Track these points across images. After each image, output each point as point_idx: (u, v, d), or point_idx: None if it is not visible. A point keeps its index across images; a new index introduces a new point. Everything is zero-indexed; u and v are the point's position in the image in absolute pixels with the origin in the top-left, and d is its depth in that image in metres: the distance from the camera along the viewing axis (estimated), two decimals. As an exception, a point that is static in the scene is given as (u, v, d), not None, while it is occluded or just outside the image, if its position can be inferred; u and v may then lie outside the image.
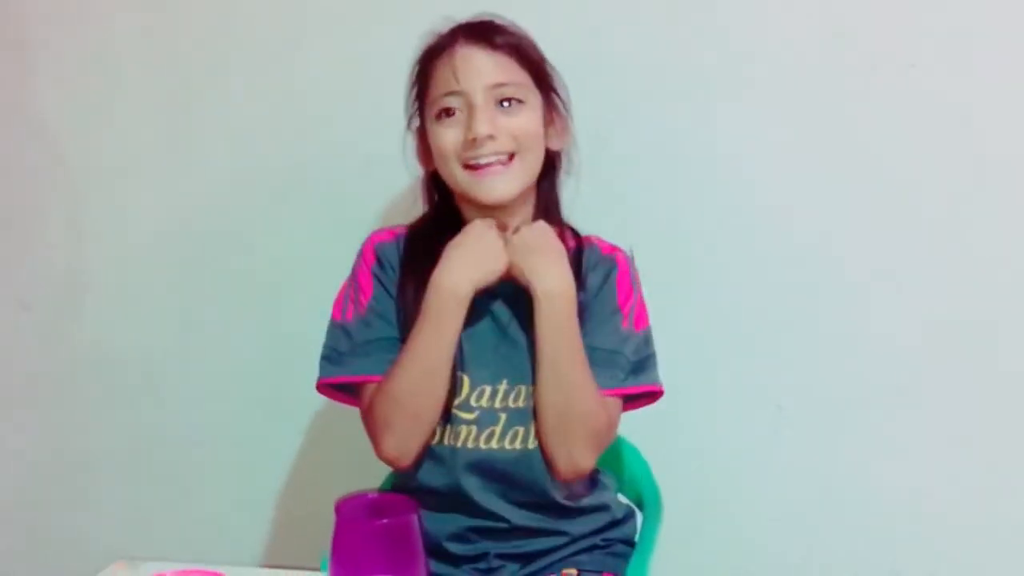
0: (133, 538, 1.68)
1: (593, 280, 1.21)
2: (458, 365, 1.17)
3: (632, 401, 1.23)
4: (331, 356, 1.22)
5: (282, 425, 1.67)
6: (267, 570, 1.38)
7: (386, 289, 1.21)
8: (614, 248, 1.26)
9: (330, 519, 0.90)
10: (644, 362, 1.22)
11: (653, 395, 1.24)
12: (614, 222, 1.39)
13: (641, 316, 1.23)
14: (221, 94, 1.64)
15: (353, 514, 0.91)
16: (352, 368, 1.19)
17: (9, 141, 1.71)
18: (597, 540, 1.24)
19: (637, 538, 1.30)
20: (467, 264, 1.15)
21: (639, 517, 1.34)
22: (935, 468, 1.52)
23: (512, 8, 1.24)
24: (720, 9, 1.50)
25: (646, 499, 1.36)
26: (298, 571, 1.10)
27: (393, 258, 1.23)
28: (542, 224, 1.19)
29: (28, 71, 1.68)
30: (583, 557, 1.22)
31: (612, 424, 1.20)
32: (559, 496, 1.19)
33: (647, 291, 1.26)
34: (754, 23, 1.50)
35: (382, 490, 1.31)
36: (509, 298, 1.19)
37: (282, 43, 1.62)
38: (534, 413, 1.16)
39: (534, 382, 1.15)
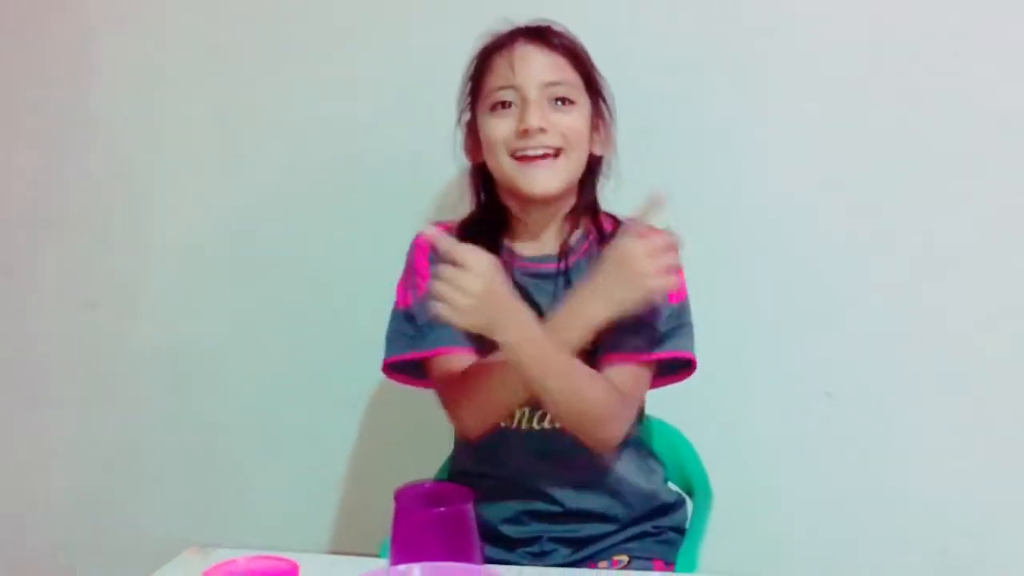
0: (200, 526, 1.74)
1: None
2: None
3: (666, 374, 1.25)
4: (398, 339, 1.27)
5: (340, 414, 1.72)
6: (331, 556, 1.43)
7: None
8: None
9: (389, 507, 0.94)
10: (675, 331, 1.23)
11: (686, 366, 1.26)
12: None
13: (675, 291, 1.23)
14: (274, 96, 1.69)
15: (411, 502, 0.95)
16: (424, 344, 1.24)
17: (75, 149, 1.78)
18: (648, 527, 1.27)
19: (687, 525, 1.32)
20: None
21: (689, 505, 1.37)
22: (985, 453, 1.53)
23: (562, 12, 1.30)
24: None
25: (696, 486, 1.39)
26: (358, 557, 1.14)
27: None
28: (484, 273, 1.08)
29: (92, 81, 1.75)
30: (633, 544, 1.25)
31: (632, 394, 1.22)
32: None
33: (701, 278, 1.29)
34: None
35: (438, 479, 1.35)
36: (555, 283, 1.23)
37: (331, 46, 1.66)
38: None
39: None
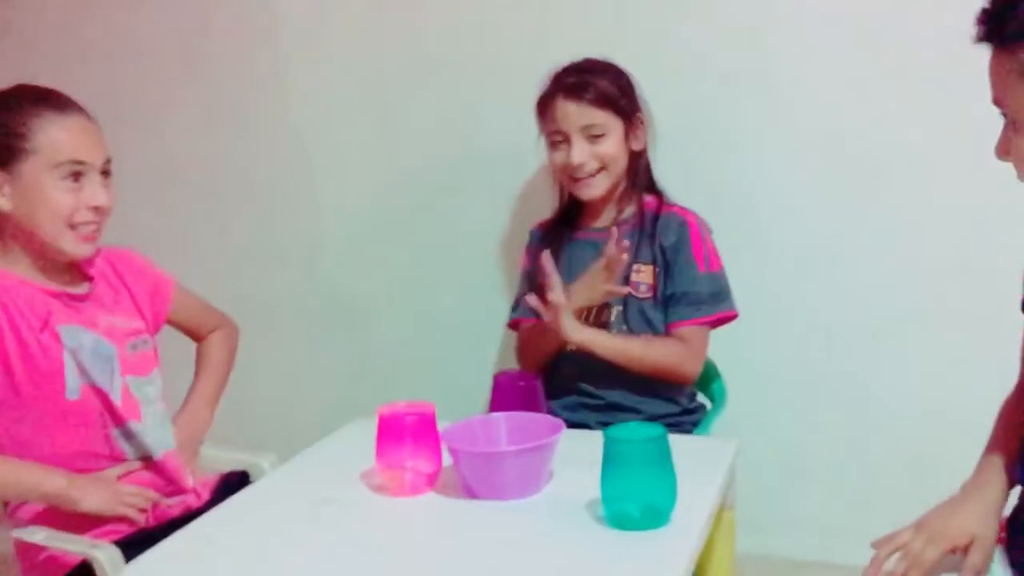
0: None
1: (668, 239, 1.76)
2: None
3: (716, 325, 1.78)
4: (513, 304, 1.89)
5: (463, 340, 2.31)
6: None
7: (533, 261, 1.84)
8: (686, 212, 1.81)
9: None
10: (718, 294, 1.76)
11: (731, 319, 1.78)
12: (701, 188, 1.93)
13: (713, 260, 1.77)
14: (416, 104, 2.25)
15: (505, 381, 1.54)
16: (515, 313, 1.86)
17: (269, 145, 2.38)
18: (668, 420, 1.78)
19: (702, 420, 1.85)
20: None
21: (708, 408, 1.88)
22: (959, 379, 1.95)
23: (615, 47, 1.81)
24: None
25: (715, 396, 1.90)
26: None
27: (535, 240, 1.89)
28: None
29: (285, 92, 2.36)
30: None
31: (695, 346, 1.75)
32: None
33: (728, 241, 1.80)
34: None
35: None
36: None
37: (456, 68, 2.20)
38: None
39: None
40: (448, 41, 2.20)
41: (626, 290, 1.72)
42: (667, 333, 1.76)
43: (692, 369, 1.76)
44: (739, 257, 1.89)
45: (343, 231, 2.39)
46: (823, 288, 2.05)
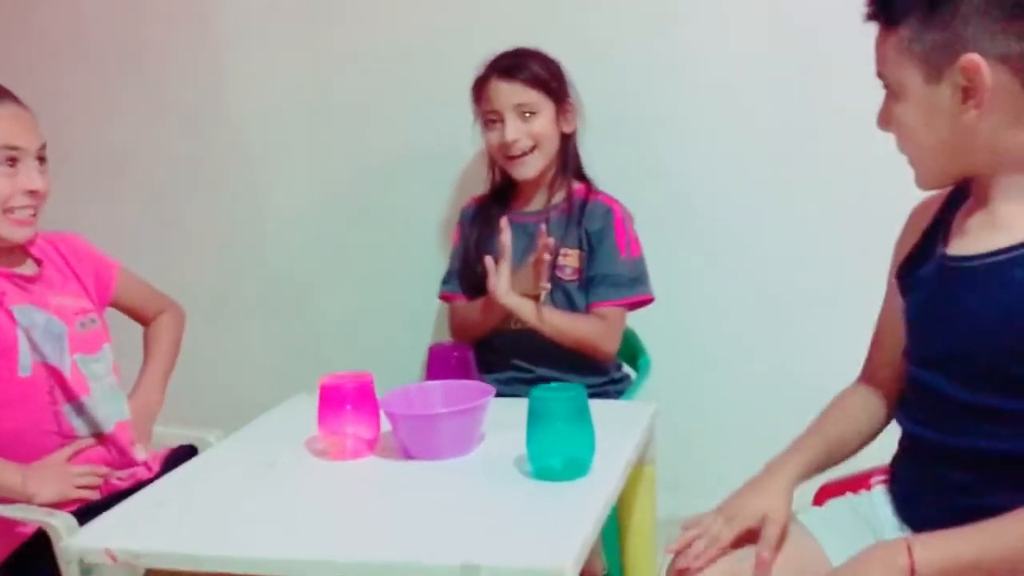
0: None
1: (594, 225, 1.88)
2: None
3: (633, 307, 1.91)
4: (444, 277, 2.00)
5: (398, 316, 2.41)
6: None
7: (465, 238, 1.96)
8: (612, 200, 1.93)
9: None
10: (637, 279, 1.89)
11: (647, 302, 1.91)
12: (626, 175, 2.06)
13: (634, 247, 1.90)
14: (354, 94, 2.34)
15: (440, 352, 1.64)
16: (447, 288, 1.98)
17: (210, 134, 2.45)
18: (595, 390, 1.88)
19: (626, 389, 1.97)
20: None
21: (632, 378, 2.01)
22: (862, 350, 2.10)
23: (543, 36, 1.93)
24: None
25: (640, 368, 2.03)
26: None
27: (467, 218, 2.00)
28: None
29: (225, 82, 2.43)
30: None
31: (614, 325, 1.87)
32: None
33: (651, 225, 1.93)
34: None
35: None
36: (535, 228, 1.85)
37: (392, 60, 2.29)
38: None
39: None
40: (383, 34, 2.29)
41: (547, 287, 1.83)
42: (587, 312, 1.87)
43: (610, 346, 1.89)
44: (661, 240, 2.02)
45: (283, 218, 2.47)
46: (738, 267, 2.19)
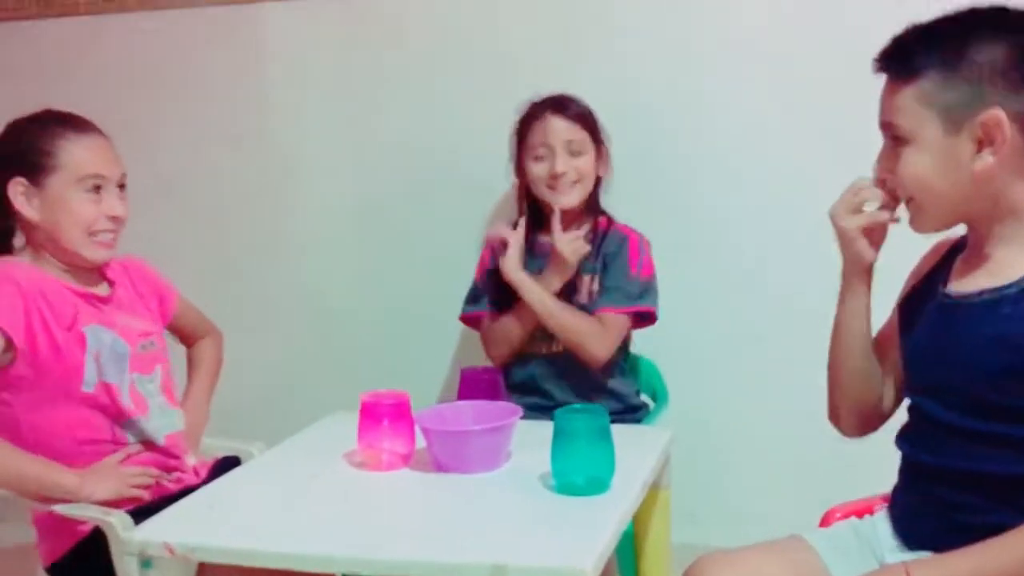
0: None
1: (610, 249, 2.01)
2: None
3: (639, 321, 2.02)
4: (468, 299, 2.10)
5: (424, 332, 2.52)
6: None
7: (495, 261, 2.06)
8: (630, 230, 2.06)
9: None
10: (643, 294, 2.00)
11: (650, 316, 2.02)
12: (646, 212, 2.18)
13: (646, 268, 2.02)
14: (389, 124, 2.48)
15: (471, 375, 1.75)
16: (476, 307, 2.07)
17: (254, 161, 2.59)
18: (614, 417, 1.97)
19: (645, 417, 2.07)
20: None
21: (651, 407, 2.11)
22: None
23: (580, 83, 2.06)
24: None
25: (658, 397, 2.13)
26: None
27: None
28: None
29: (269, 111, 2.57)
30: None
31: (613, 331, 1.97)
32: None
33: (670, 257, 2.07)
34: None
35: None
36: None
37: (425, 93, 2.43)
38: None
39: None
40: (421, 74, 2.44)
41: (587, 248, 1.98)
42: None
43: (601, 350, 1.96)
44: (681, 271, 2.14)
45: (322, 241, 2.60)
46: (760, 300, 2.29)
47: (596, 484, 1.40)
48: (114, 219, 1.67)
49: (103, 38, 2.64)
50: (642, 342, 2.15)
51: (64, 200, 1.63)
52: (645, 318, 2.03)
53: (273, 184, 2.60)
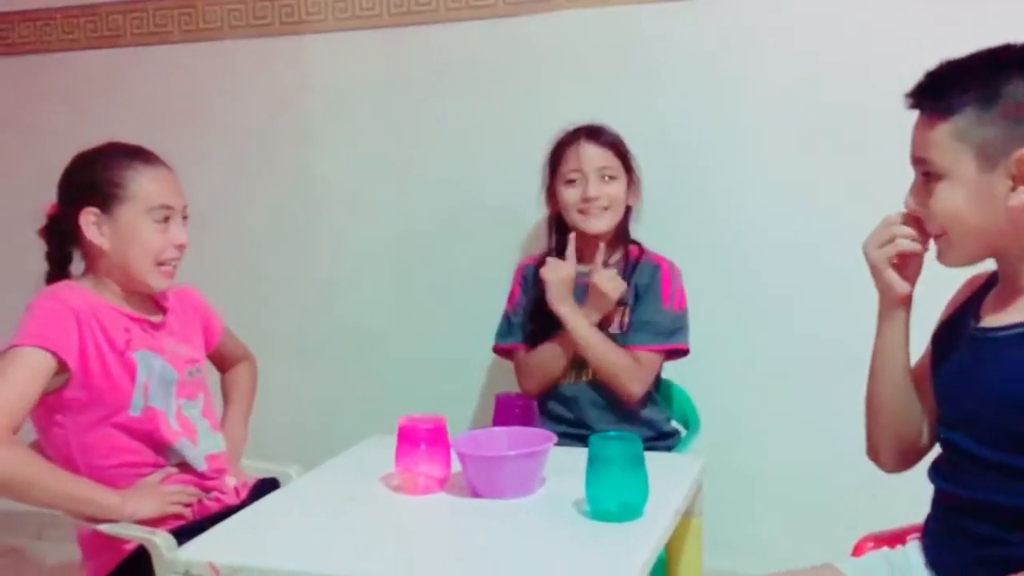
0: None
1: (642, 279, 2.04)
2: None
3: (669, 356, 2.04)
4: (501, 330, 2.11)
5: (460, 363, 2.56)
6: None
7: (524, 294, 2.09)
8: (661, 259, 2.09)
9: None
10: (677, 330, 2.03)
11: (682, 352, 2.04)
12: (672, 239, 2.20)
13: (678, 299, 2.04)
14: (427, 151, 2.53)
15: (505, 401, 1.78)
16: (511, 339, 2.09)
17: (293, 194, 2.65)
18: (646, 444, 1.99)
19: (677, 444, 2.08)
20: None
21: (683, 434, 2.12)
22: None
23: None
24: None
25: (690, 424, 2.15)
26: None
27: (530, 274, 2.12)
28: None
29: (309, 146, 2.63)
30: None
31: (647, 368, 2.00)
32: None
33: (701, 290, 2.09)
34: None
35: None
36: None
37: (461, 129, 2.49)
38: None
39: None
40: (457, 104, 2.49)
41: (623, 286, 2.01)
42: None
43: (636, 387, 1.99)
44: (712, 304, 2.16)
45: (358, 271, 2.65)
46: (785, 328, 2.31)
47: (629, 510, 1.42)
48: (179, 247, 1.73)
49: (145, 69, 2.73)
50: (673, 368, 2.17)
51: (134, 229, 1.68)
52: (677, 353, 2.06)
53: (310, 218, 2.66)
